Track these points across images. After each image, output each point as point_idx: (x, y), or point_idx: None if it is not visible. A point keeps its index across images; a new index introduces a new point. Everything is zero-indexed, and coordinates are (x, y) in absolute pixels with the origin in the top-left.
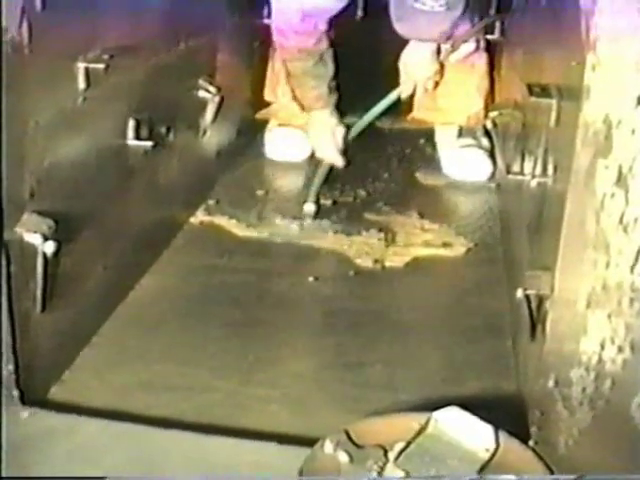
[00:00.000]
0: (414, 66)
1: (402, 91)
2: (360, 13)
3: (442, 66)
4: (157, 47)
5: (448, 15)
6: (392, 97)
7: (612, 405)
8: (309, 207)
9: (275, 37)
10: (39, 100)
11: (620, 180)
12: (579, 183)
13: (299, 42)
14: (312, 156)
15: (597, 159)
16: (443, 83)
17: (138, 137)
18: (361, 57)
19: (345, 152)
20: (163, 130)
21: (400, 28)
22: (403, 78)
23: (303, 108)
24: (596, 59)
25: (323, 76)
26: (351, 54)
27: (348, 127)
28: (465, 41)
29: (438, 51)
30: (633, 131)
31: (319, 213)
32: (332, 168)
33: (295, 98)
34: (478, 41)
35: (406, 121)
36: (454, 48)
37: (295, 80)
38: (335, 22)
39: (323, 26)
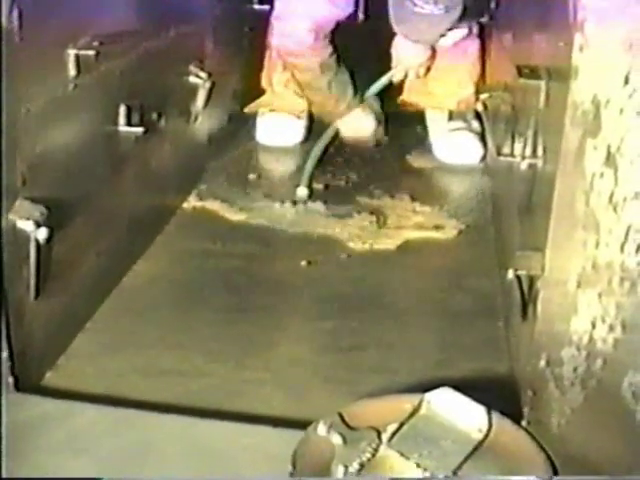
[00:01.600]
0: (406, 52)
1: (394, 75)
2: (362, 16)
3: (434, 51)
4: (147, 33)
5: (447, 18)
6: (383, 81)
7: (603, 384)
8: (302, 191)
9: (280, 55)
10: (30, 88)
11: (609, 160)
12: (568, 163)
13: (308, 56)
14: (304, 140)
15: (586, 139)
16: (435, 68)
17: (129, 123)
18: (363, 60)
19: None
20: (154, 116)
21: (400, 31)
22: (395, 63)
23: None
24: (584, 39)
25: (341, 82)
26: (353, 57)
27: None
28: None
29: None
30: (621, 110)
31: (311, 197)
32: (325, 152)
33: (296, 88)
34: (470, 27)
35: (397, 104)
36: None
37: (311, 92)
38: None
39: (328, 35)
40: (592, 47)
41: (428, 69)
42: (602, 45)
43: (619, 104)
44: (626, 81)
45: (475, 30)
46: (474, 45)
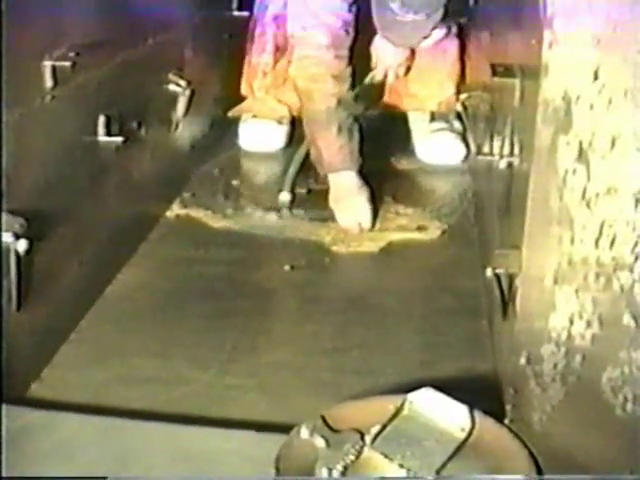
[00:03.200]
0: (385, 52)
1: (374, 76)
2: None
3: (413, 52)
4: (125, 43)
5: (429, 22)
6: (364, 83)
7: (583, 380)
8: (284, 196)
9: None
10: (6, 99)
11: (581, 156)
12: (541, 160)
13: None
14: (286, 146)
15: (558, 136)
16: (415, 69)
17: (109, 133)
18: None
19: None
20: (134, 125)
21: (385, 36)
22: (374, 64)
23: (322, 169)
24: (553, 36)
25: (351, 129)
26: None
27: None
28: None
29: None
30: (592, 106)
31: (294, 202)
32: (307, 157)
33: (277, 94)
34: (449, 27)
35: (378, 106)
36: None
37: (316, 128)
38: None
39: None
40: (561, 44)
41: (408, 69)
42: (571, 41)
43: (589, 100)
44: (595, 77)
45: (454, 30)
46: (453, 45)
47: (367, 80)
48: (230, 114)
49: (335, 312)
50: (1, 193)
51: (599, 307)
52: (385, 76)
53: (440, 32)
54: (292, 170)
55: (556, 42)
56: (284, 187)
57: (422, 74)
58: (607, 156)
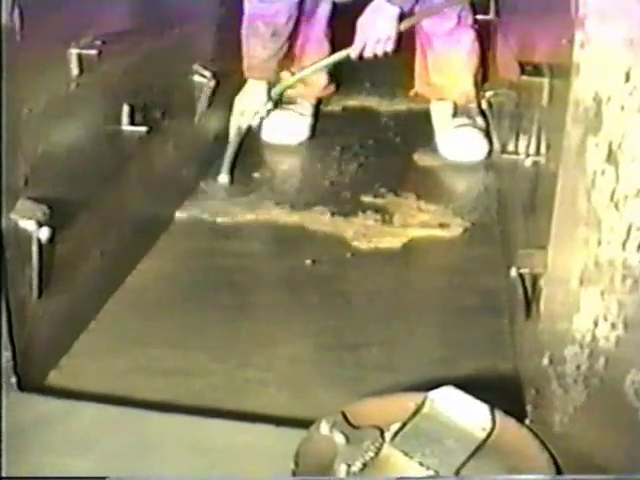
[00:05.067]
0: (367, 25)
1: (352, 51)
2: None
3: (400, 36)
4: (151, 32)
5: None
6: (340, 55)
7: (606, 382)
8: (223, 178)
9: None
10: (32, 87)
11: (610, 157)
12: (570, 161)
13: None
14: (309, 139)
15: (587, 136)
16: (431, 58)
17: (132, 123)
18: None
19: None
20: (158, 115)
21: None
22: (356, 37)
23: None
24: (585, 36)
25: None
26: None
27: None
28: (430, 16)
29: (401, 19)
30: (622, 107)
31: (314, 198)
32: (245, 138)
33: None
34: (460, 17)
35: (403, 102)
36: (415, 21)
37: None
38: None
39: None
40: (593, 44)
41: (398, 47)
42: (603, 42)
43: (620, 101)
44: (627, 78)
45: (469, 20)
46: (468, 35)
47: (342, 53)
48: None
49: (356, 307)
50: (0, 189)
51: (624, 309)
52: (362, 50)
53: (449, 22)
54: (230, 151)
55: (588, 42)
56: (222, 169)
57: (438, 64)
58: (637, 158)
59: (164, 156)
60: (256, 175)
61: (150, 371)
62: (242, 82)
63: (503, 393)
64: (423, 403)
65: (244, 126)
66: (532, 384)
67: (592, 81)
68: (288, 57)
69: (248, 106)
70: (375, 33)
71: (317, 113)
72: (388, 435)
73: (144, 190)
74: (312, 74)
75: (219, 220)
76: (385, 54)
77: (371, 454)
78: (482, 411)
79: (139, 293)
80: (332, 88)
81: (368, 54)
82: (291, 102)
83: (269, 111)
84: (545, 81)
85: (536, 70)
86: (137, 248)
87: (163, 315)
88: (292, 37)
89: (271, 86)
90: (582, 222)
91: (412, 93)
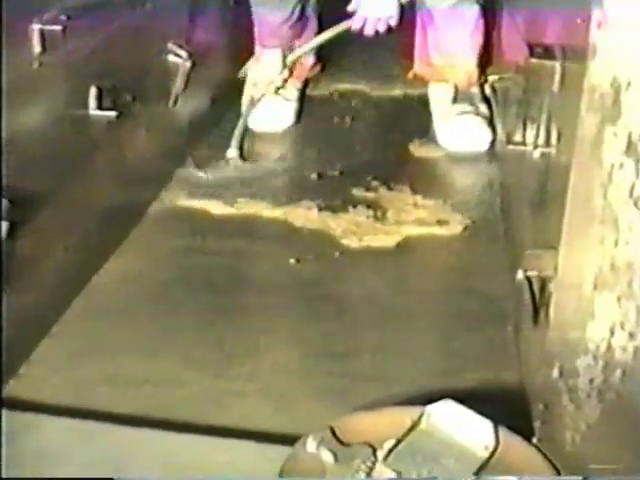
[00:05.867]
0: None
1: (352, 24)
2: None
3: (402, 10)
4: (121, 7)
5: None
6: (340, 27)
7: (622, 397)
8: (232, 153)
9: None
10: None
11: (629, 149)
12: (585, 153)
13: None
14: (294, 125)
15: (604, 126)
16: (432, 35)
17: (101, 107)
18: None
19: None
20: (128, 99)
21: None
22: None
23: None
24: (603, 15)
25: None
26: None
27: None
28: None
29: None
30: None
31: (299, 191)
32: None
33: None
34: None
35: (398, 85)
36: None
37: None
38: None
39: None
40: (612, 25)
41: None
42: (623, 21)
43: None
44: None
45: None
46: (472, 11)
47: (342, 26)
48: (241, 75)
49: (345, 312)
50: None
51: None
52: (363, 26)
53: None
54: (241, 124)
55: (606, 22)
56: (232, 143)
57: (440, 41)
58: None
59: (135, 143)
60: (237, 165)
61: (118, 381)
62: (221, 62)
63: (508, 408)
64: (419, 418)
65: (257, 97)
66: (540, 398)
67: (610, 65)
68: (300, 23)
69: (261, 76)
70: (376, 9)
71: (303, 97)
72: (381, 453)
73: (113, 181)
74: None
75: (196, 214)
76: (389, 29)
77: (362, 474)
78: (485, 428)
79: (107, 294)
80: (318, 68)
81: (369, 31)
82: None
83: (285, 80)
84: (557, 64)
85: (547, 52)
86: (105, 244)
87: (133, 319)
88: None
89: (285, 54)
90: (597, 220)
91: (410, 75)
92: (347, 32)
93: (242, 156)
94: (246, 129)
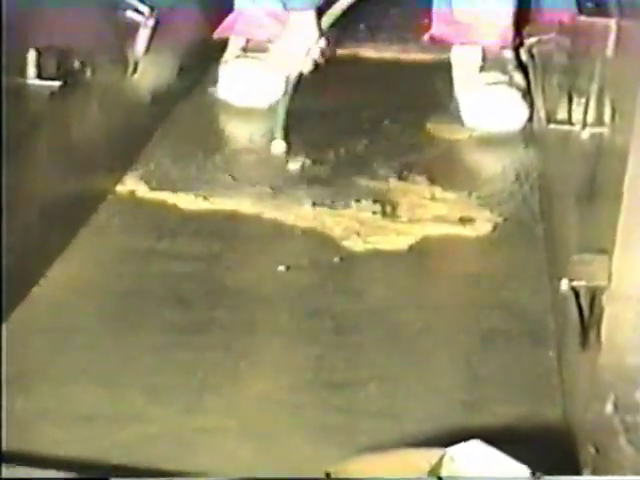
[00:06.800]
0: None
1: None
2: None
3: None
4: None
5: None
6: (343, 4)
7: None
8: (278, 145)
9: None
10: None
11: None
12: None
13: None
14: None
15: None
16: None
17: (40, 75)
18: None
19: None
20: (76, 65)
21: None
22: None
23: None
24: None
25: None
26: None
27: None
28: None
29: None
30: None
31: (289, 181)
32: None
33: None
34: None
35: (412, 49)
36: None
37: None
38: None
39: None
40: None
41: None
42: None
43: None
44: None
45: None
46: None
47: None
48: (216, 36)
49: (346, 331)
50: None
51: None
52: None
53: None
54: (281, 109)
55: None
56: (276, 133)
57: None
58: None
59: (85, 119)
60: (211, 147)
61: (64, 417)
62: (190, 19)
63: (549, 450)
64: (440, 462)
65: (295, 74)
66: (590, 439)
67: None
68: None
69: (295, 47)
70: None
71: None
72: None
73: (57, 167)
74: None
75: (161, 210)
76: None
77: None
78: (520, 474)
79: (49, 309)
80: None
81: None
82: (259, 49)
83: (323, 50)
84: (612, 23)
85: (599, 8)
86: (46, 247)
87: (82, 339)
88: None
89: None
90: None
91: (426, 38)
92: None
93: (289, 148)
94: (287, 114)
